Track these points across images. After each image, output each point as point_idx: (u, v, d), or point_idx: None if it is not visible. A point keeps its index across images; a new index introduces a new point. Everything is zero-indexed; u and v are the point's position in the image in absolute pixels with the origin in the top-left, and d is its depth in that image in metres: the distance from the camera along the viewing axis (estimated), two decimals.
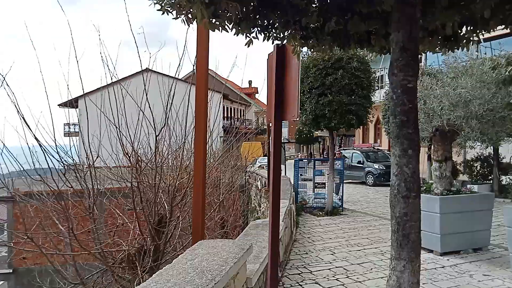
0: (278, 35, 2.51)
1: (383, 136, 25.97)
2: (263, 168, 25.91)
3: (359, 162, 19.98)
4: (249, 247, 3.86)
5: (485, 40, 12.19)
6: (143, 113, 5.93)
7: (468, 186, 11.51)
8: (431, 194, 7.08)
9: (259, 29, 2.41)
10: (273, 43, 2.59)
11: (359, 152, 20.64)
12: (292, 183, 12.58)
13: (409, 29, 2.02)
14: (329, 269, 6.35)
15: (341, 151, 22.14)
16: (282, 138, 16.24)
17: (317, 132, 37.90)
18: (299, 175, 12.45)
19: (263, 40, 2.51)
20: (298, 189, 12.45)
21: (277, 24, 2.37)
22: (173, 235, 6.99)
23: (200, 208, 4.60)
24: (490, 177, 13.41)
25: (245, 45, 2.49)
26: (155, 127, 5.79)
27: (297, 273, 6.18)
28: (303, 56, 11.02)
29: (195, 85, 4.52)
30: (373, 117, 11.37)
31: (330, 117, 10.42)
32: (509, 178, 13.08)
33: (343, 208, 12.14)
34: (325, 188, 12.05)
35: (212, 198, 8.79)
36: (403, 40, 2.02)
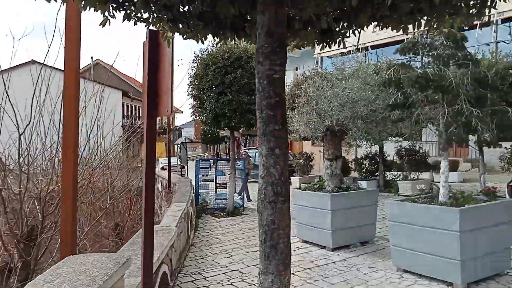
0: (141, 16, 2.15)
1: None
2: (165, 169, 24.98)
3: None
4: (126, 260, 3.40)
5: (372, 47, 13.21)
6: (3, 109, 5.03)
7: (358, 182, 12.39)
8: (323, 191, 7.32)
9: (114, 5, 2.02)
10: (135, 24, 2.22)
11: None
12: (194, 184, 12.21)
13: (275, 11, 1.83)
14: (224, 273, 6.13)
15: (246, 151, 22.32)
16: (185, 138, 15.91)
17: (222, 132, 38.00)
18: (201, 175, 12.12)
19: (123, 20, 2.13)
20: (200, 190, 12.12)
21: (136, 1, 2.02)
22: (51, 248, 6.14)
23: (70, 216, 3.98)
24: (377, 174, 14.64)
25: (100, 24, 2.08)
26: (18, 125, 4.94)
27: (190, 281, 5.84)
28: (202, 52, 10.72)
29: (64, 72, 3.88)
30: None
31: (230, 117, 10.28)
32: (392, 174, 14.42)
33: (245, 207, 12.13)
34: (226, 188, 11.91)
35: (99, 203, 7.99)
36: (269, 24, 1.83)
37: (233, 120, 10.28)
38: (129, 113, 38.95)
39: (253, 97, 10.35)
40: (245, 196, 12.28)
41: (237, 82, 10.11)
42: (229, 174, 11.73)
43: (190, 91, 11.03)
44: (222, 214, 11.41)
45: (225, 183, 11.98)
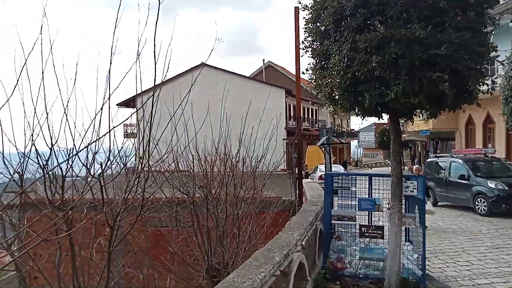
0: None
1: (498, 138, 17.82)
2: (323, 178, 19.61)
3: (462, 177, 12.79)
4: None
5: None
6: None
7: None
8: None
9: None
10: None
11: (461, 161, 13.31)
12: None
13: None
14: None
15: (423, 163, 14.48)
16: (327, 137, 8.58)
17: (404, 135, 29.18)
18: (335, 207, 6.39)
19: None
20: (334, 232, 6.38)
21: None
22: None
23: None
24: None
25: None
26: None
27: None
28: None
29: None
30: (492, 90, 4.85)
31: (384, 79, 4.31)
32: None
33: (426, 283, 5.73)
34: (383, 238, 5.85)
35: None
36: None
37: (393, 87, 4.27)
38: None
39: (441, 30, 4.15)
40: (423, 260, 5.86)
41: None
42: (388, 209, 5.66)
43: (307, 43, 5.47)
44: None
45: (381, 227, 5.94)
